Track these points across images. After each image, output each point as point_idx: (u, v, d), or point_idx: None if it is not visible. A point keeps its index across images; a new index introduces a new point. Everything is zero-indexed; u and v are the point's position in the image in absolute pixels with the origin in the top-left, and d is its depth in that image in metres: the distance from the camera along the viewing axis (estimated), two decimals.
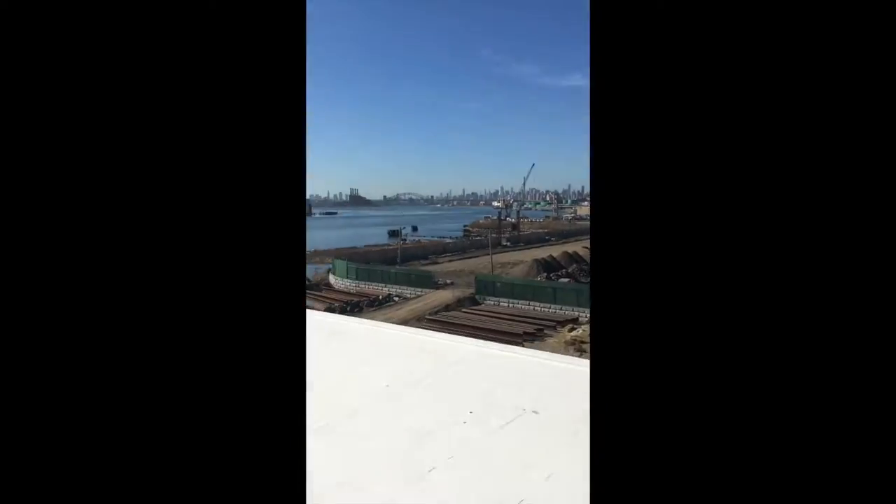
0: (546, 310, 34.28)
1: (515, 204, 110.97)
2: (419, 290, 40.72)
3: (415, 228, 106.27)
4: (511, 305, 35.89)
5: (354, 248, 69.34)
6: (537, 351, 4.38)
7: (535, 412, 3.15)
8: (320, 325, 5.21)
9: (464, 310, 35.34)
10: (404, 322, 29.56)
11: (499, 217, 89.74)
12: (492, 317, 33.04)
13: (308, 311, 6.75)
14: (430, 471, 2.48)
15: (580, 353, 25.75)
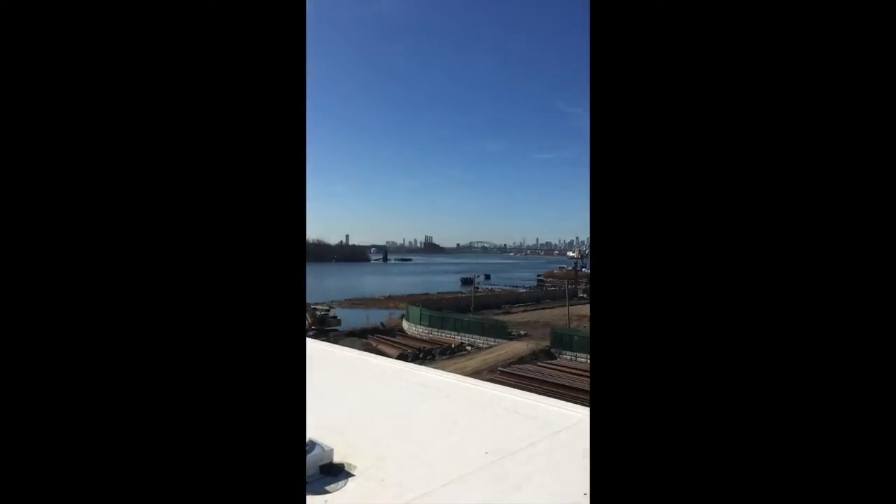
0: None
1: None
2: (492, 339, 39.95)
3: (487, 277, 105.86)
4: (589, 362, 34.12)
5: (428, 294, 70.08)
6: None
7: None
8: (399, 376, 5.05)
9: (538, 363, 34.08)
10: (477, 373, 28.90)
11: (574, 268, 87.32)
12: (568, 373, 31.54)
13: (383, 359, 6.62)
14: None
15: None
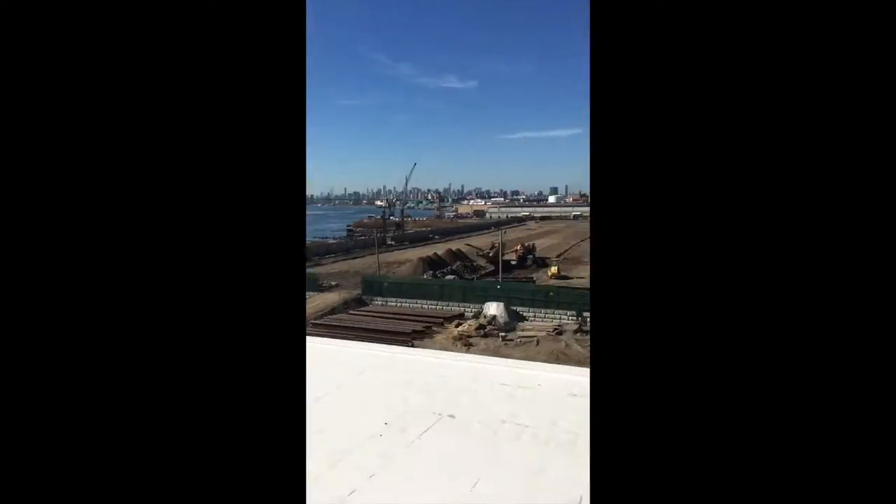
0: (433, 307, 34.84)
1: (399, 203, 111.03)
2: None
3: None
4: (399, 305, 35.91)
5: None
6: (441, 352, 4.37)
7: (451, 416, 3.10)
8: None
9: (351, 312, 34.62)
10: None
11: (383, 216, 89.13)
12: (380, 317, 32.78)
13: None
14: (350, 493, 2.31)
15: (467, 347, 26.51)
